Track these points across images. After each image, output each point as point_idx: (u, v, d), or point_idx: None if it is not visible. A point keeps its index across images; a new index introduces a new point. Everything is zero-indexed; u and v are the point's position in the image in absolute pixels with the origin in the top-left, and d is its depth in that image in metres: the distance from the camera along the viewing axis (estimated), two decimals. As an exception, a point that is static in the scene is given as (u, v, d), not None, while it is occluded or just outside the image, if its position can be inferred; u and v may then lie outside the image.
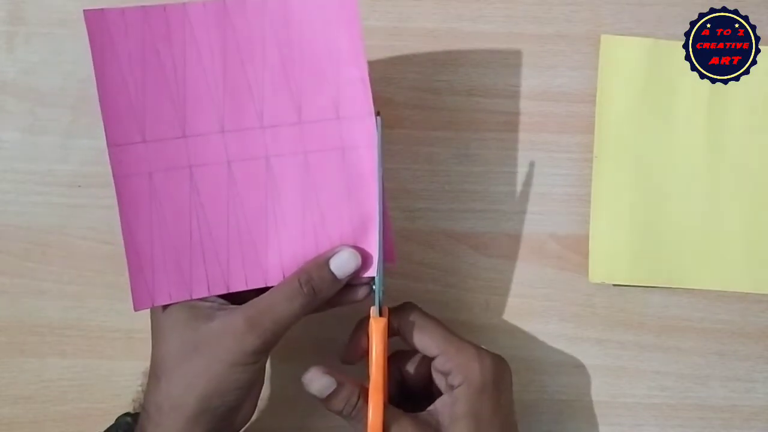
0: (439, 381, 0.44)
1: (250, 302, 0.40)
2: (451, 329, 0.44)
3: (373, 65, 0.41)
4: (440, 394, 0.43)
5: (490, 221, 0.51)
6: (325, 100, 0.42)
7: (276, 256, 0.43)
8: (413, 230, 0.51)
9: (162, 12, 0.41)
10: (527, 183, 0.51)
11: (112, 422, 0.46)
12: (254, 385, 0.42)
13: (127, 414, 0.46)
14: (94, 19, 0.40)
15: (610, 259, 0.50)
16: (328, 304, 0.42)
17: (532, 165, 0.51)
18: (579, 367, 0.50)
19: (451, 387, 0.42)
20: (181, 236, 0.42)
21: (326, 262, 0.41)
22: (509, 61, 0.51)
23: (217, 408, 0.40)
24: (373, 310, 0.42)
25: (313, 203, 0.43)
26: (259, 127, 0.42)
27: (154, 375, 0.41)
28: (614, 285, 0.50)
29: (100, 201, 0.50)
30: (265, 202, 0.42)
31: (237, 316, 0.40)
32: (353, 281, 0.42)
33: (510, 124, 0.51)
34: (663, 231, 0.50)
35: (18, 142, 0.50)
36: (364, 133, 0.42)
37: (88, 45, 0.40)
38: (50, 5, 0.50)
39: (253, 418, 0.50)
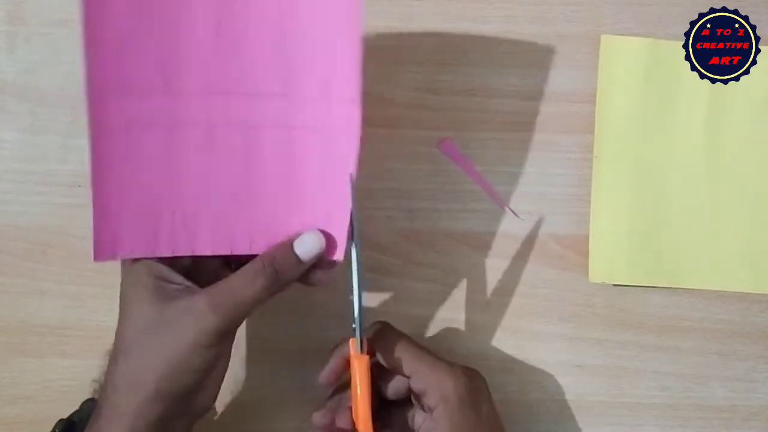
0: (418, 400, 0.44)
1: (214, 284, 0.40)
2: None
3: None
4: (420, 404, 0.43)
5: (490, 221, 0.51)
6: (315, 80, 0.41)
7: (245, 225, 0.42)
8: (413, 230, 0.51)
9: None
10: (527, 183, 0.51)
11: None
12: (214, 369, 0.41)
13: (91, 399, 0.46)
14: None
15: (610, 259, 0.50)
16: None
17: (532, 165, 0.51)
18: (579, 367, 0.51)
19: (430, 409, 0.42)
20: (151, 193, 0.41)
21: (290, 244, 0.41)
22: (509, 61, 0.51)
23: (174, 390, 0.39)
24: (354, 347, 0.42)
25: (288, 179, 0.42)
26: (244, 94, 0.41)
27: (113, 354, 0.40)
28: (614, 285, 0.50)
29: (100, 201, 0.50)
30: (241, 171, 0.42)
31: (199, 296, 0.39)
32: (319, 264, 0.42)
33: (510, 124, 0.51)
34: (663, 231, 0.50)
35: (18, 142, 0.50)
36: (348, 118, 0.41)
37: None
38: (50, 5, 0.50)
39: (252, 418, 0.50)
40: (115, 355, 0.40)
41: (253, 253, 0.42)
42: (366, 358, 0.41)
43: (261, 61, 0.41)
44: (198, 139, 0.41)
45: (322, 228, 0.42)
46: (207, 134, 0.41)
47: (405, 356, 0.43)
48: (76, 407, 0.46)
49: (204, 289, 0.40)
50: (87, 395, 0.48)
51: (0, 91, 0.50)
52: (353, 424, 0.42)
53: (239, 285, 0.40)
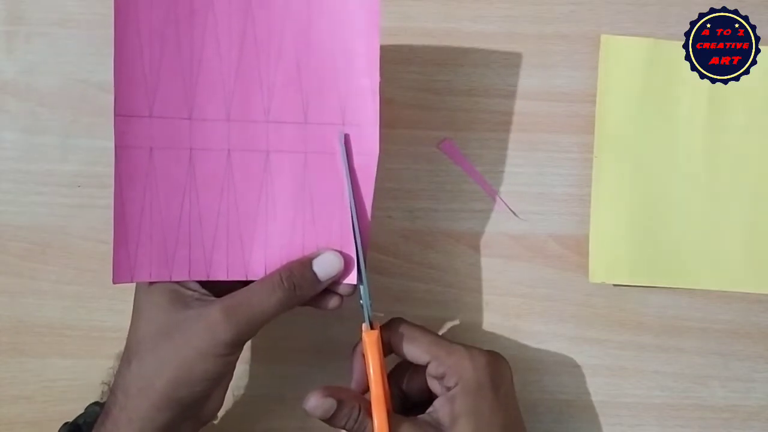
0: (436, 387, 0.44)
1: (229, 294, 0.40)
2: (441, 334, 0.44)
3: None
4: (438, 390, 0.43)
5: (490, 221, 0.51)
6: (333, 105, 0.42)
7: (261, 250, 0.43)
8: (413, 230, 0.51)
9: None
10: (527, 183, 0.51)
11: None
12: (223, 378, 0.42)
13: (96, 403, 0.46)
14: None
15: (610, 259, 0.50)
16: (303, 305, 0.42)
17: (532, 165, 0.51)
18: (579, 367, 0.51)
19: (448, 389, 0.42)
20: (170, 217, 0.42)
21: (310, 262, 0.42)
22: (509, 61, 0.51)
23: (183, 397, 0.40)
24: (364, 326, 0.42)
25: (305, 203, 0.43)
26: (264, 121, 0.42)
27: (126, 357, 0.41)
28: (614, 285, 0.50)
29: (100, 201, 0.50)
30: (259, 196, 0.42)
31: (214, 306, 0.40)
32: (332, 287, 0.43)
33: (510, 124, 0.51)
34: (663, 231, 0.50)
35: (18, 142, 0.50)
36: (365, 142, 0.42)
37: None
38: (50, 5, 0.50)
39: (254, 418, 0.50)
40: (128, 358, 0.40)
41: None
42: (375, 332, 0.42)
43: (281, 90, 0.42)
44: (218, 163, 0.42)
45: (338, 249, 0.43)
46: (227, 159, 0.42)
47: (421, 343, 0.43)
48: (75, 407, 0.46)
49: (220, 298, 0.40)
50: (87, 395, 0.48)
51: (0, 91, 0.50)
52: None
53: (256, 297, 0.40)
